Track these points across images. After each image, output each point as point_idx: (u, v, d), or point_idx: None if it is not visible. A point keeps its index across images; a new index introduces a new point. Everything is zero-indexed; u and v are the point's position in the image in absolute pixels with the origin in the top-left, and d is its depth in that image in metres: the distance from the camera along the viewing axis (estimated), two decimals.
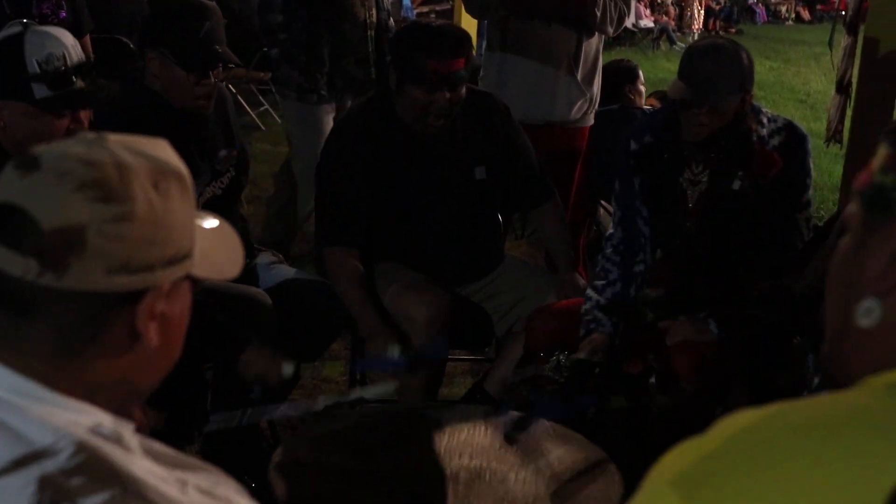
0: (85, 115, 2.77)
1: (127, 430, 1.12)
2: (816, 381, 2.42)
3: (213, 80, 3.07)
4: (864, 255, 0.94)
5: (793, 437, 0.83)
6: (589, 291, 3.17)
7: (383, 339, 3.02)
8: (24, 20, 2.78)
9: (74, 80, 2.70)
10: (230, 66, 3.14)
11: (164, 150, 1.19)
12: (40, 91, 2.66)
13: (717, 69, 2.89)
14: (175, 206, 1.16)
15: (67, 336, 1.12)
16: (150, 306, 1.14)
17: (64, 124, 2.71)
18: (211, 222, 1.27)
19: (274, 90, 5.49)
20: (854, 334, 0.94)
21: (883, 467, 0.79)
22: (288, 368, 2.81)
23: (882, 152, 0.96)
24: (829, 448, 0.81)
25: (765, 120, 3.00)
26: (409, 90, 3.18)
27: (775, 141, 2.98)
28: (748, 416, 0.86)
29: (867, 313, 0.92)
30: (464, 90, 3.24)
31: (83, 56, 2.79)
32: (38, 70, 2.65)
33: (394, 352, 2.96)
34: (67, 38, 2.75)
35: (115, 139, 1.15)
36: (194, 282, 1.22)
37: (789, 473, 0.80)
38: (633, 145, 3.12)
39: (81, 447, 1.05)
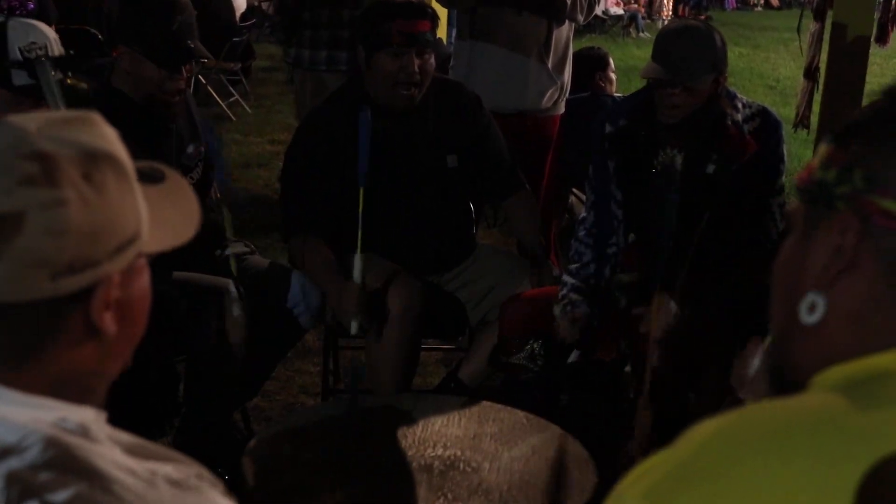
0: None
1: (95, 421, 1.11)
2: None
3: (184, 75, 3.06)
4: (806, 250, 0.96)
5: (758, 440, 0.84)
6: (564, 277, 3.18)
7: (352, 296, 3.04)
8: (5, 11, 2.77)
9: (54, 72, 2.68)
10: (202, 60, 3.13)
11: (93, 131, 1.12)
12: (20, 78, 2.65)
13: (690, 49, 2.90)
14: (112, 193, 1.10)
15: (23, 342, 1.09)
16: (103, 299, 1.11)
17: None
18: (157, 182, 1.21)
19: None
20: (801, 331, 0.95)
21: (847, 465, 0.80)
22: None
23: (823, 149, 0.97)
24: (793, 449, 0.82)
25: (739, 105, 3.02)
26: (377, 60, 3.19)
27: (750, 126, 3.00)
28: (712, 424, 0.87)
29: (811, 309, 0.93)
30: (433, 60, 3.25)
31: (63, 51, 2.77)
32: (19, 57, 2.63)
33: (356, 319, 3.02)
34: (50, 32, 2.74)
35: (37, 127, 1.08)
36: (150, 255, 1.18)
37: (758, 475, 0.81)
38: (609, 128, 3.13)
39: (50, 443, 1.04)
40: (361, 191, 3.07)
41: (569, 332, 3.01)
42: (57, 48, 2.74)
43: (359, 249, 3.07)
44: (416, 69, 3.18)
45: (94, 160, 1.09)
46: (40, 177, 1.05)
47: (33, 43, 2.66)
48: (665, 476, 0.85)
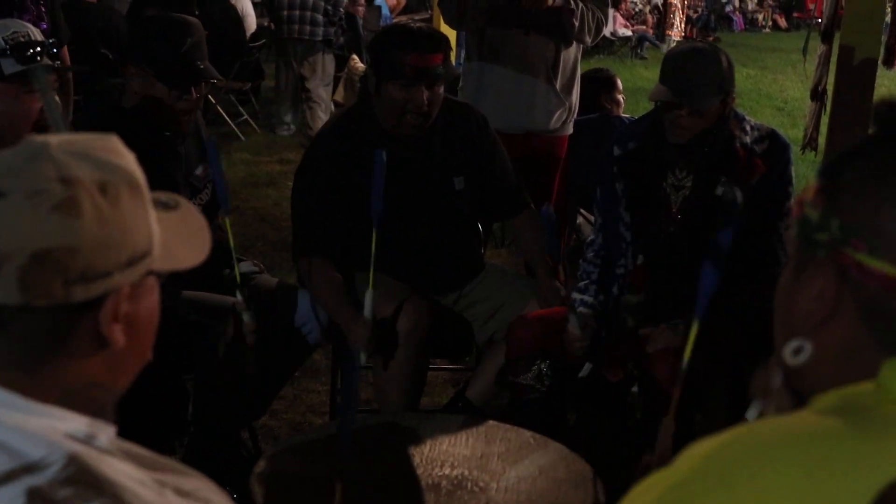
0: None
1: (104, 433, 1.12)
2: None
3: (194, 96, 3.07)
4: (795, 289, 0.97)
5: (755, 454, 0.85)
6: (573, 294, 3.18)
7: (362, 331, 3.03)
8: None
9: (40, 59, 2.72)
10: (212, 81, 3.14)
11: (110, 149, 1.16)
12: (9, 66, 2.68)
13: (696, 71, 2.92)
14: (126, 207, 1.13)
15: (33, 348, 1.11)
16: (112, 310, 1.13)
17: (36, 106, 2.72)
18: (171, 209, 1.24)
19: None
20: (789, 368, 0.97)
21: (847, 479, 0.80)
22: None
23: (812, 184, 0.97)
24: (789, 462, 0.83)
25: (748, 127, 3.03)
26: (386, 89, 3.19)
27: (759, 149, 3.01)
28: (709, 443, 0.88)
29: (795, 353, 0.94)
30: (442, 91, 3.25)
31: (45, 39, 2.82)
32: (4, 45, 2.67)
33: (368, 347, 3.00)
34: (29, 25, 2.80)
35: (58, 144, 1.12)
36: (160, 275, 1.20)
37: (753, 488, 0.82)
38: (618, 151, 3.14)
39: (72, 459, 1.05)
40: (374, 231, 3.03)
41: (579, 336, 3.01)
42: (39, 36, 2.78)
43: (370, 286, 3.05)
44: (425, 101, 3.18)
45: (109, 174, 1.13)
46: (59, 188, 1.09)
47: (15, 32, 2.71)
48: (663, 494, 0.86)
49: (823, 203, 0.94)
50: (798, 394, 0.99)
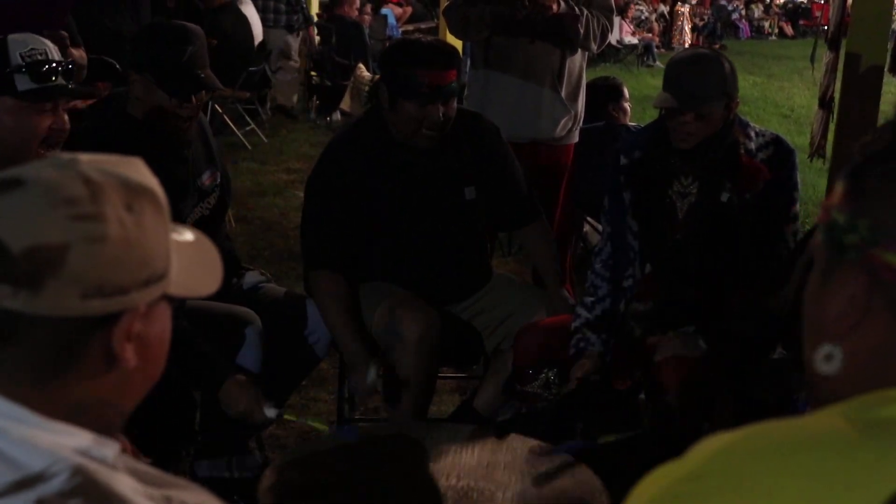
0: (63, 114, 2.79)
1: (111, 451, 1.13)
2: (802, 396, 2.42)
3: (195, 103, 3.08)
4: (824, 294, 0.95)
5: (768, 455, 0.84)
6: (578, 309, 3.17)
7: (365, 369, 3.03)
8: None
9: (55, 78, 2.72)
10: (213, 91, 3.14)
11: (137, 170, 1.17)
12: (23, 83, 2.68)
13: (699, 76, 2.92)
14: (149, 227, 1.14)
15: (45, 360, 1.11)
16: (126, 328, 1.14)
17: (45, 124, 2.72)
18: (188, 237, 1.26)
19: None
20: (817, 376, 0.96)
21: (860, 488, 0.80)
22: (270, 412, 2.77)
23: (839, 188, 0.96)
24: (803, 466, 0.82)
25: (752, 133, 3.03)
26: (401, 106, 3.19)
27: (763, 154, 3.01)
28: (722, 438, 0.87)
29: (827, 360, 0.93)
30: (455, 104, 3.26)
31: (62, 59, 2.82)
32: (21, 61, 2.67)
33: (374, 380, 2.99)
34: (48, 43, 2.79)
35: (87, 160, 1.14)
36: (173, 300, 1.21)
37: (764, 490, 0.81)
38: (623, 160, 3.14)
39: (77, 471, 1.05)
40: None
41: (588, 371, 3.02)
42: (57, 55, 2.79)
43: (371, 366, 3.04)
44: (441, 116, 3.19)
45: (136, 193, 1.14)
46: (87, 199, 1.10)
47: (33, 49, 2.71)
48: (671, 486, 0.85)
49: (851, 205, 0.93)
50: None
